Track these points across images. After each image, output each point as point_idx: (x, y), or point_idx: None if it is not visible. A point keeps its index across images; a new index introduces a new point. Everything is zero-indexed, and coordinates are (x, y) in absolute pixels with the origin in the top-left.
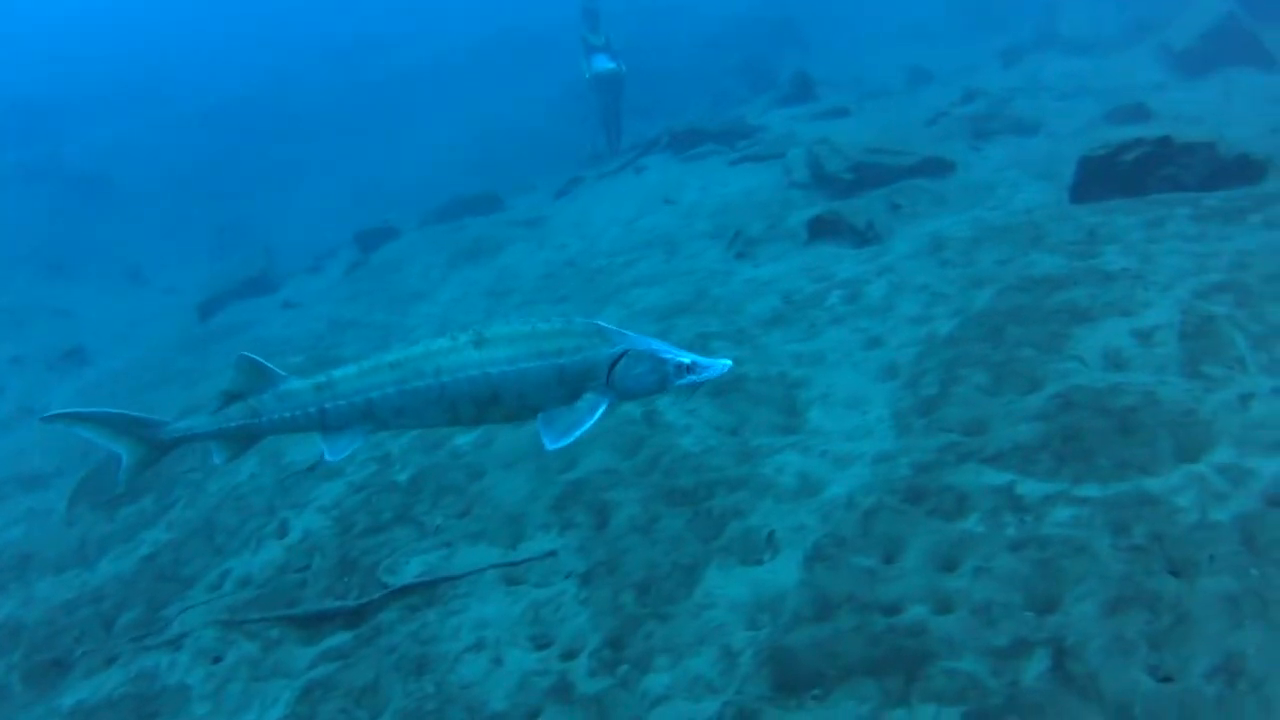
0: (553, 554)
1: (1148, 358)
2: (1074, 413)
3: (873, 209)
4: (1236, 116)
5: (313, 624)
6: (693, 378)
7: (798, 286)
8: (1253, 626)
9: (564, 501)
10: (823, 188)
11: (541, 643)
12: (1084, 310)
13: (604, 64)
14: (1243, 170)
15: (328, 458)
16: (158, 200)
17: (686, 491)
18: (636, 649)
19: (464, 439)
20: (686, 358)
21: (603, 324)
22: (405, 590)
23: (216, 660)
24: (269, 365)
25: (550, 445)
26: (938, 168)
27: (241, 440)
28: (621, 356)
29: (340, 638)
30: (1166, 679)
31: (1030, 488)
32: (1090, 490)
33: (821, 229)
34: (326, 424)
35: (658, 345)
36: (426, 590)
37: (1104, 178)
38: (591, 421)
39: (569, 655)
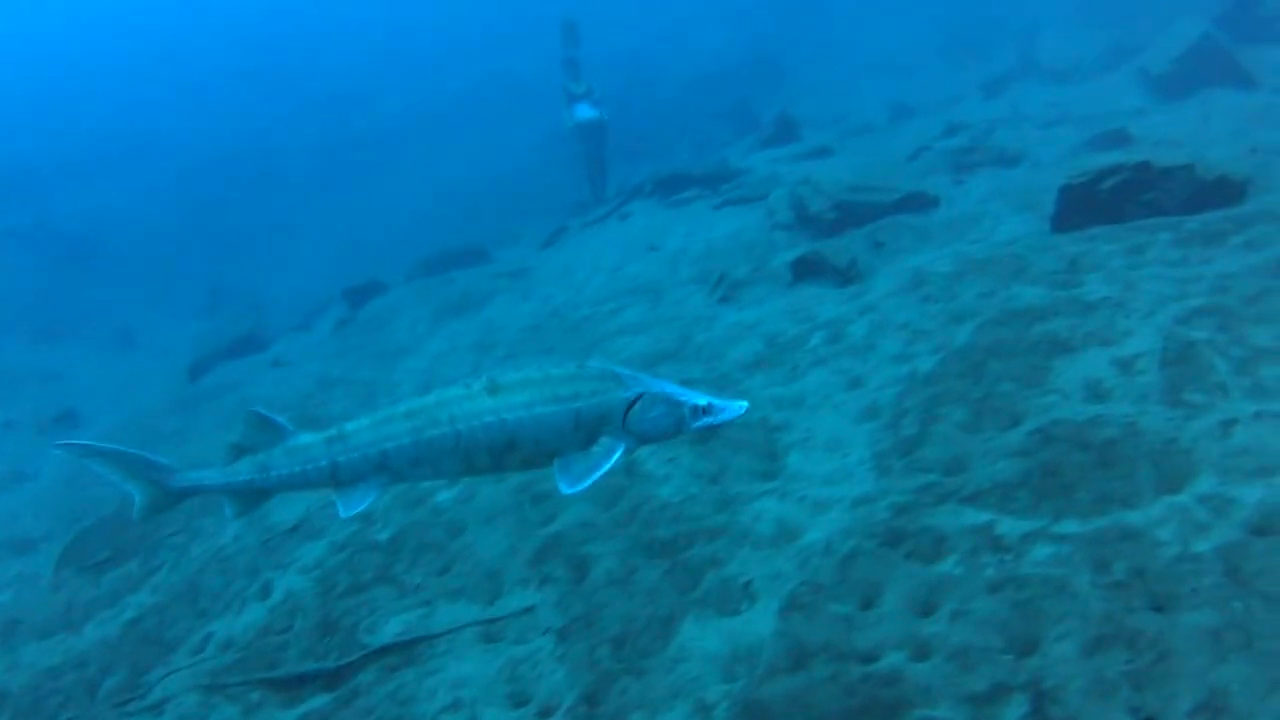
0: (530, 610)
1: (1129, 387)
2: (1054, 447)
3: (855, 248)
4: (1216, 138)
5: (293, 686)
6: (709, 419)
7: (780, 329)
8: (1236, 661)
9: (543, 555)
10: (806, 228)
11: (518, 701)
12: (1065, 341)
13: (586, 112)
14: (1223, 192)
15: (341, 512)
16: (147, 261)
17: (665, 542)
18: (611, 705)
19: (445, 495)
20: (703, 399)
21: (617, 368)
22: (384, 650)
23: None
24: (278, 419)
25: (566, 490)
26: (920, 203)
27: (250, 495)
28: (637, 400)
29: (320, 700)
30: None
31: (1009, 526)
32: (1070, 527)
33: (804, 270)
34: (339, 478)
35: (673, 388)
36: (405, 650)
37: (1085, 206)
38: (608, 465)
39: (545, 713)
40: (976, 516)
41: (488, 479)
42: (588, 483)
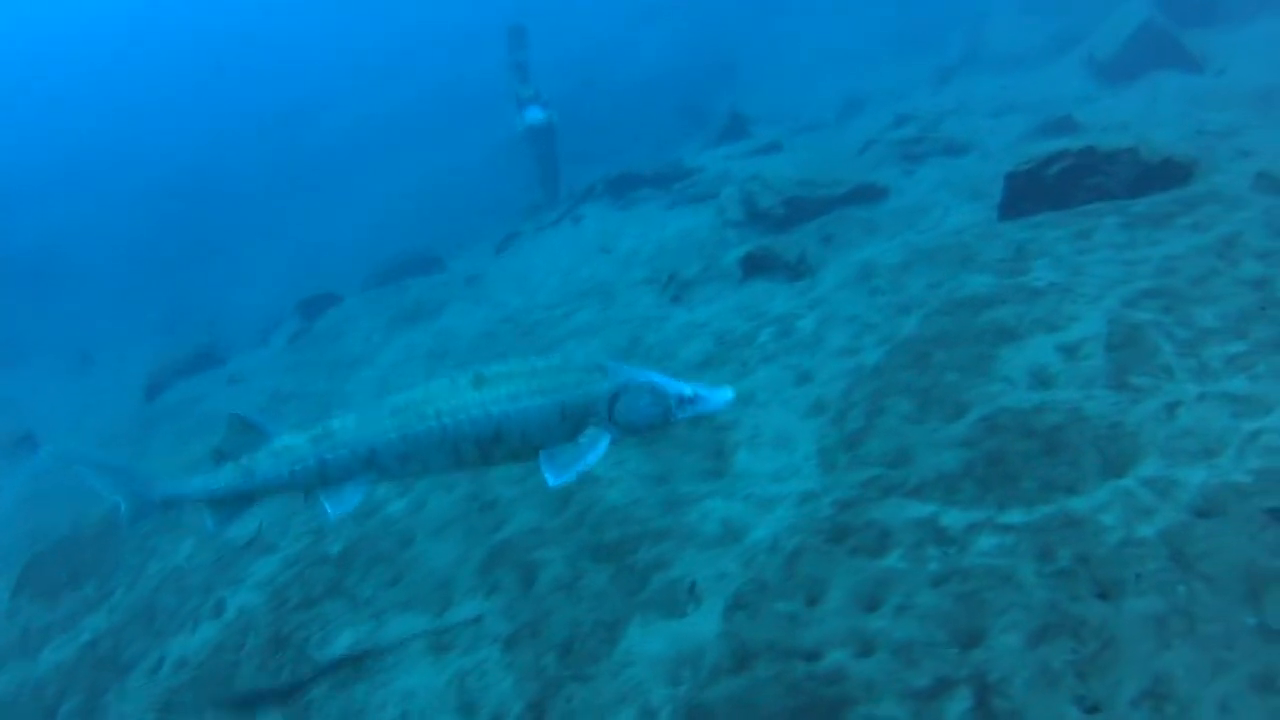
0: (478, 619)
1: (1074, 373)
2: (998, 436)
3: (804, 242)
4: (1163, 120)
5: (246, 705)
6: (695, 408)
7: (730, 327)
8: (1180, 646)
9: (491, 564)
10: (757, 224)
11: (467, 711)
12: (1011, 329)
13: (535, 115)
14: (1169, 173)
15: (330, 512)
16: (105, 280)
17: (612, 546)
18: (557, 713)
19: (396, 505)
20: (688, 389)
21: (602, 359)
22: (336, 665)
23: None
24: (261, 422)
25: (553, 482)
26: (869, 195)
27: (235, 502)
28: (622, 390)
29: (272, 717)
30: (1094, 709)
31: (954, 518)
32: (1014, 516)
33: (754, 266)
34: (327, 477)
35: (658, 378)
36: (356, 663)
37: (1031, 192)
38: (595, 456)
39: None
40: (921, 509)
41: (438, 490)
42: (574, 474)
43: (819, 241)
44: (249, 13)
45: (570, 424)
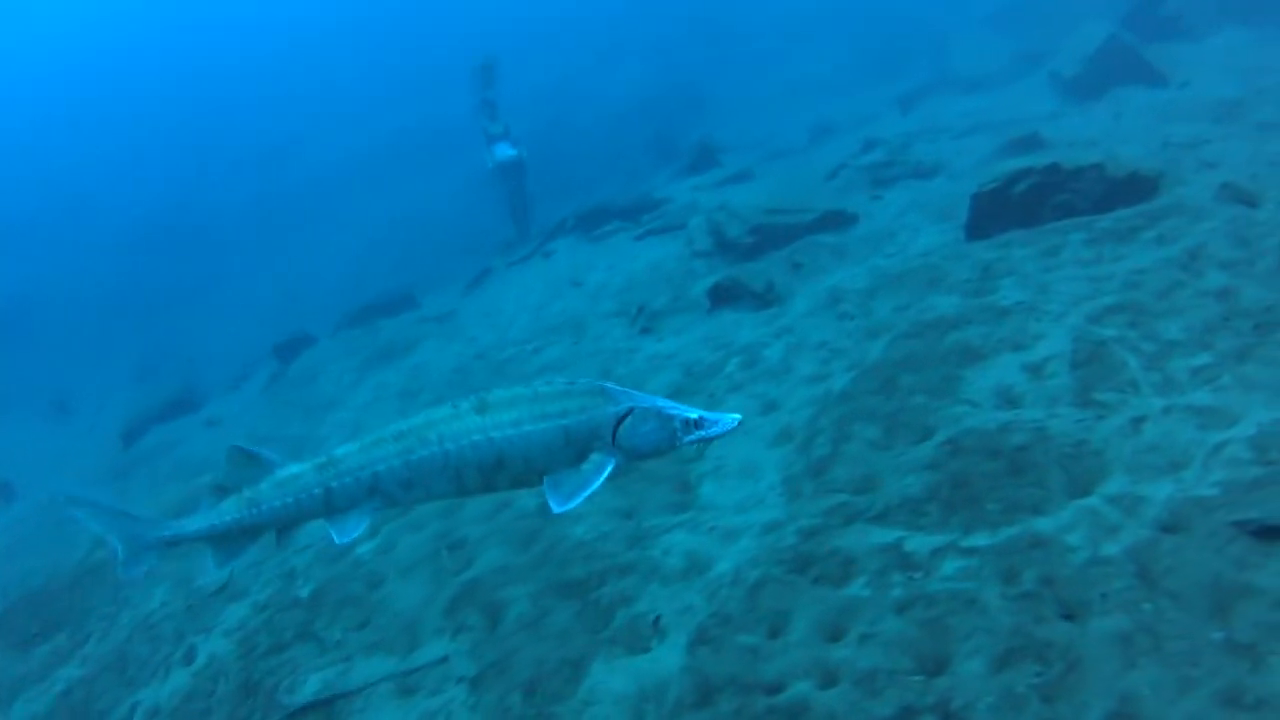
0: (444, 660)
1: (1040, 391)
2: (963, 458)
3: (772, 270)
4: (1129, 134)
5: None
6: (701, 433)
7: (698, 358)
8: (1146, 665)
9: (458, 603)
10: (725, 254)
11: None
12: (977, 349)
13: (505, 152)
14: (1135, 188)
15: (336, 540)
16: (82, 327)
17: (577, 582)
18: None
19: (365, 547)
20: (694, 413)
21: (607, 384)
22: (304, 710)
23: None
24: (263, 453)
25: (557, 508)
26: (838, 221)
27: (239, 537)
28: (627, 415)
29: None
30: None
31: (918, 543)
32: (979, 539)
33: (722, 296)
34: (333, 505)
35: (663, 402)
36: (324, 708)
37: (998, 212)
38: (599, 482)
39: None
40: (885, 535)
41: (407, 529)
42: (578, 500)
43: (788, 269)
44: (221, 55)
45: (574, 449)
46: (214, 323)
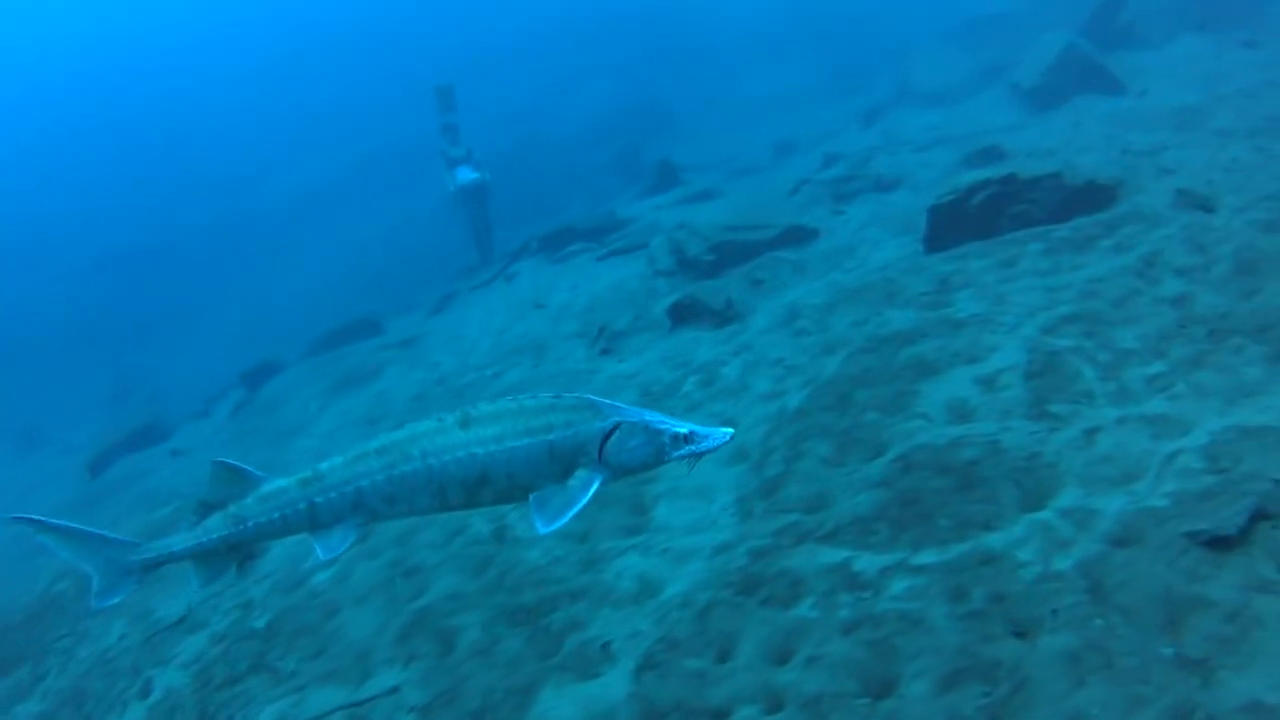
0: (396, 690)
1: (993, 404)
2: (914, 475)
3: (732, 287)
4: (1088, 143)
5: None
6: (691, 448)
7: (657, 377)
8: (1096, 683)
9: (410, 631)
10: (687, 272)
11: None
12: (931, 363)
13: (467, 175)
14: (1093, 197)
15: (321, 556)
16: (51, 356)
17: (529, 608)
18: None
19: (322, 575)
20: (684, 428)
21: (594, 397)
22: None
23: None
24: (247, 469)
25: (542, 529)
26: (799, 236)
27: (225, 554)
28: (614, 430)
29: None
30: None
31: (867, 562)
32: (928, 557)
33: (682, 314)
34: (317, 520)
35: (652, 416)
36: None
37: (956, 224)
38: (585, 499)
39: None
40: (834, 555)
41: (363, 557)
42: (564, 519)
43: (748, 285)
44: (189, 80)
45: (560, 465)
46: (183, 349)
